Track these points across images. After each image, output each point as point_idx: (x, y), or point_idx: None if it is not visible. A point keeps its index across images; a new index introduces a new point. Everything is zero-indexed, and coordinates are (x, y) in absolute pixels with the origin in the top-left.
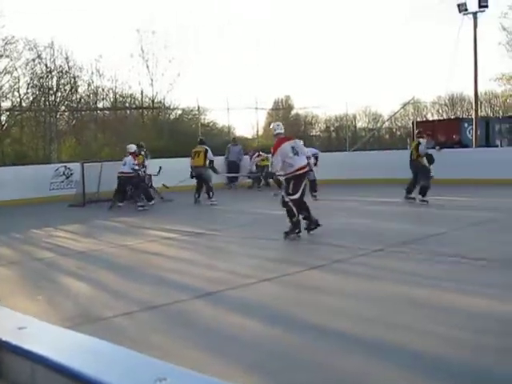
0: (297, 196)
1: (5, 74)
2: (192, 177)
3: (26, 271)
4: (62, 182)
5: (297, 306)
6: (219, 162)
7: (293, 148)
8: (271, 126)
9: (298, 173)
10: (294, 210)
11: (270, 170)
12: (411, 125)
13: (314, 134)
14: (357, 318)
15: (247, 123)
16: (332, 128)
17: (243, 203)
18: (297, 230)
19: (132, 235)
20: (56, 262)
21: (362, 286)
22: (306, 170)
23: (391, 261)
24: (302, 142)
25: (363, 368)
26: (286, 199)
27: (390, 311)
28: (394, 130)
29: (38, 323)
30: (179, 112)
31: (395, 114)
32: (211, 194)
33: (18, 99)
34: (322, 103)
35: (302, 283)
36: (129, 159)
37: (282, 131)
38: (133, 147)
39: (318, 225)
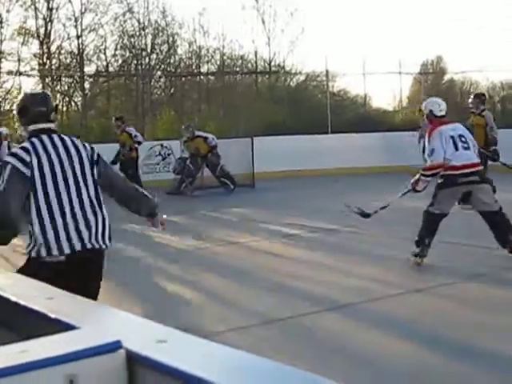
0: None
1: (89, 31)
2: None
3: (118, 274)
4: (158, 164)
5: (448, 323)
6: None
7: None
8: None
9: None
10: None
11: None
12: None
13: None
14: None
15: (388, 91)
16: (497, 98)
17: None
18: None
19: (246, 231)
20: (156, 264)
21: None
22: None
23: None
24: None
25: None
26: None
27: None
28: None
29: (180, 336)
30: (302, 78)
31: None
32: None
33: (105, 62)
34: (483, 66)
35: (458, 296)
36: None
37: None
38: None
39: None
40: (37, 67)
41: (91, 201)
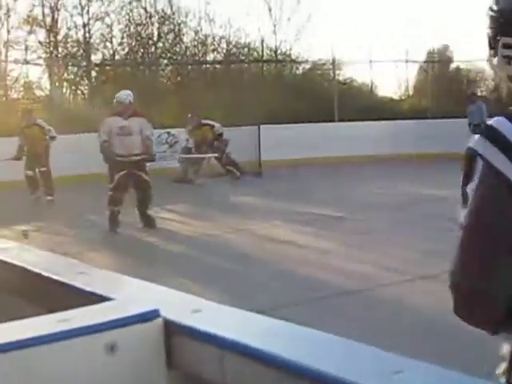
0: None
1: (95, 20)
2: None
3: (128, 259)
4: (165, 151)
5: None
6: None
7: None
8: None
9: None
10: None
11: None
12: None
13: (479, 94)
14: None
15: (393, 80)
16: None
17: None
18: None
19: (254, 218)
20: (165, 249)
21: None
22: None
23: None
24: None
25: None
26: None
27: None
28: None
29: (214, 306)
30: (308, 66)
31: None
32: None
33: (111, 51)
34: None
35: None
36: None
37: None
38: None
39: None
40: (43, 56)
41: None
